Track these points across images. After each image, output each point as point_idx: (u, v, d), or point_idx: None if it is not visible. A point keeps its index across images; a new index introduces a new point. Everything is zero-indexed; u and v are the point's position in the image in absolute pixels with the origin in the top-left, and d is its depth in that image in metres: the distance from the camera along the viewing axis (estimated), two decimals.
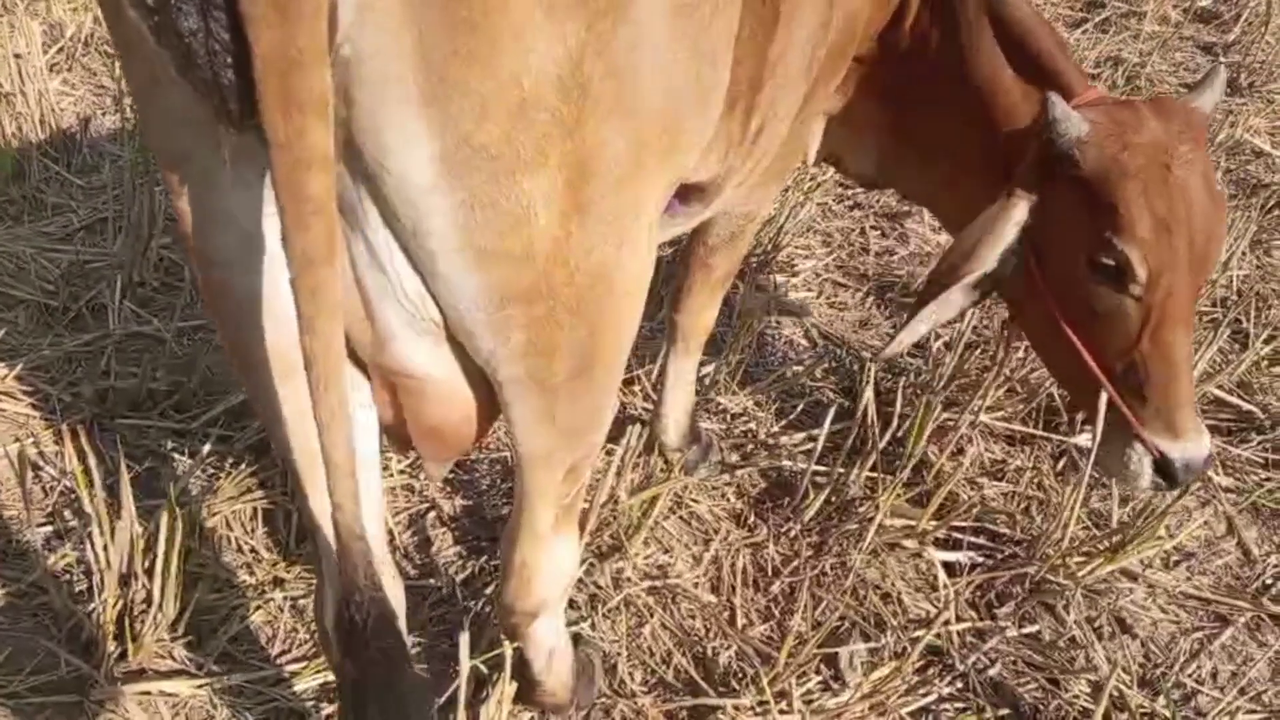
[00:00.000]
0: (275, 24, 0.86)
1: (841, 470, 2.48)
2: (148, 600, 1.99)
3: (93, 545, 1.96)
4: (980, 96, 1.96)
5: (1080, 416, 2.71)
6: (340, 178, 1.04)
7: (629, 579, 2.27)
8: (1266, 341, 3.09)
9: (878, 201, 3.87)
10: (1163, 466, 1.86)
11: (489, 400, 1.33)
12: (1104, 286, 1.80)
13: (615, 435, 2.45)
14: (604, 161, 1.12)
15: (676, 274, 2.41)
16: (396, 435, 1.41)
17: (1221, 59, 5.24)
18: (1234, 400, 2.91)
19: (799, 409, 2.85)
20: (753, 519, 2.50)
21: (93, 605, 2.01)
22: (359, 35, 0.94)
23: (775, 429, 2.79)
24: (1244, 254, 3.58)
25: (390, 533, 2.31)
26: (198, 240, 1.18)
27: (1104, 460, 1.96)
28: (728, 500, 2.57)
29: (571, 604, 2.18)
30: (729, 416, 2.81)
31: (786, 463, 2.62)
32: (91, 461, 1.98)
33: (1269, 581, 2.46)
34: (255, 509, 2.32)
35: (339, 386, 1.08)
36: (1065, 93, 1.83)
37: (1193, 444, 1.84)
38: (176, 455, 2.44)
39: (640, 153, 1.17)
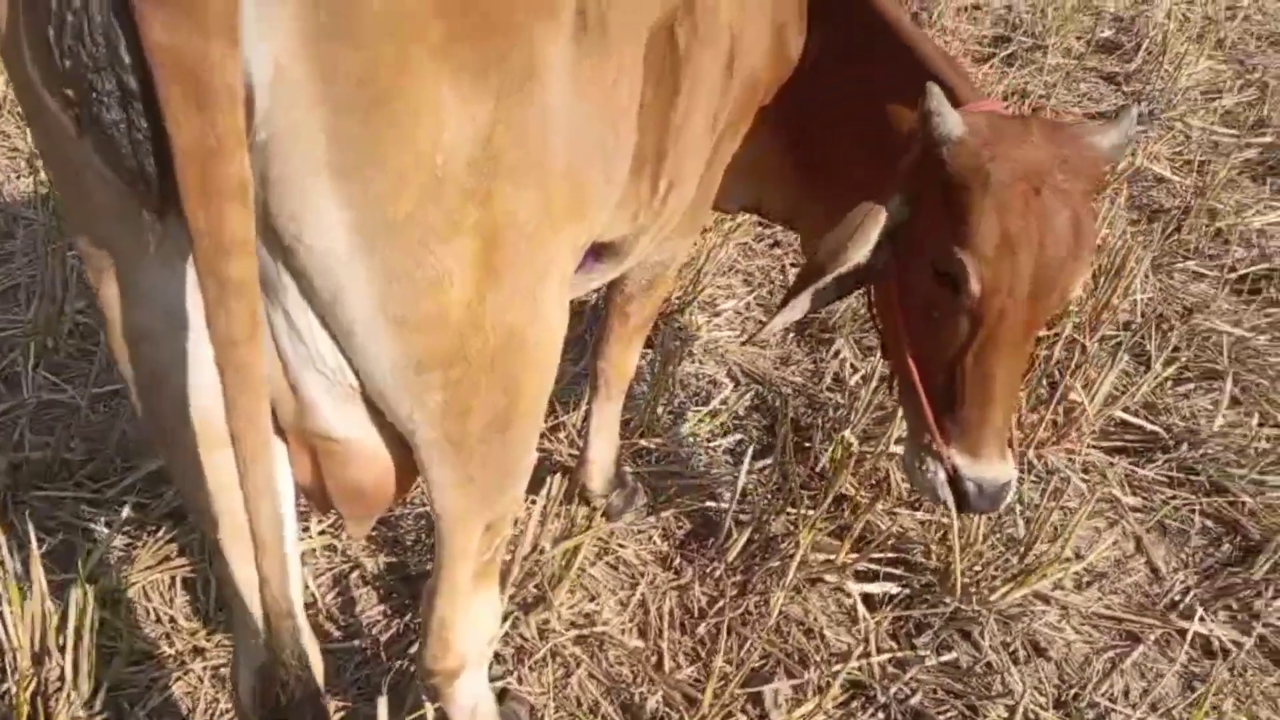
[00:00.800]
0: (194, 115, 0.90)
1: (764, 508, 2.52)
2: (62, 678, 1.96)
3: (3, 623, 1.93)
4: (880, 119, 1.94)
5: None
6: (258, 250, 1.06)
7: (555, 629, 2.29)
8: (1168, 363, 3.21)
9: (797, 239, 3.95)
10: (954, 483, 1.83)
11: (409, 458, 1.36)
12: (941, 293, 1.75)
13: (538, 484, 2.49)
14: (515, 228, 1.17)
15: (598, 322, 2.45)
16: (316, 496, 1.43)
17: (1124, 88, 5.45)
18: (1139, 421, 3.01)
19: (722, 448, 2.90)
20: (678, 561, 2.54)
21: (5, 685, 1.97)
22: (274, 118, 0.98)
23: (700, 469, 2.83)
24: (1146, 277, 3.72)
25: (313, 595, 2.30)
26: (117, 315, 1.20)
27: (905, 463, 1.95)
28: (654, 543, 2.60)
29: (497, 658, 2.19)
30: (654, 459, 2.84)
31: (710, 503, 2.66)
32: (0, 538, 1.95)
33: (1176, 598, 2.55)
34: (174, 577, 2.30)
35: (266, 462, 1.11)
36: (953, 100, 1.78)
37: (988, 468, 1.79)
38: (92, 525, 2.40)
39: (550, 218, 1.22)
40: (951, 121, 1.69)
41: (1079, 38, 5.90)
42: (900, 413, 2.75)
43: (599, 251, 1.76)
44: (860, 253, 1.78)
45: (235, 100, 0.90)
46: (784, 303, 1.91)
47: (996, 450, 1.80)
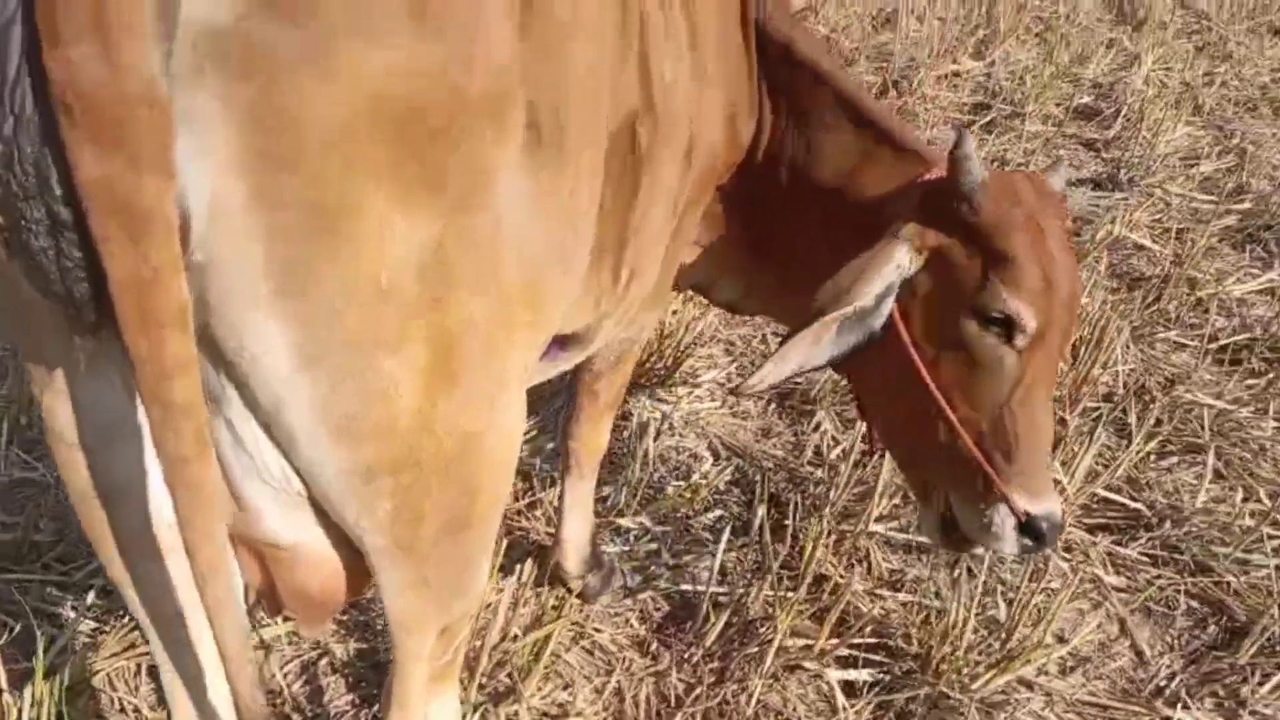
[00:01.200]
0: (127, 245, 0.88)
1: (742, 590, 2.48)
2: None
3: None
4: (838, 188, 1.93)
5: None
6: (200, 361, 1.04)
7: None
8: (1149, 437, 3.20)
9: None
10: (1029, 526, 1.77)
11: (360, 560, 1.33)
12: (987, 339, 1.75)
13: (510, 567, 2.45)
14: (469, 335, 1.15)
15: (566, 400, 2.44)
16: (267, 598, 1.40)
17: (1103, 154, 5.51)
18: (1121, 499, 2.99)
19: (702, 525, 2.87)
20: (655, 645, 2.49)
21: None
22: (211, 242, 0.96)
23: (679, 547, 2.79)
24: (1127, 347, 3.72)
25: (279, 684, 2.25)
26: (57, 424, 1.18)
27: (967, 527, 1.86)
28: (631, 626, 2.55)
29: None
30: (631, 537, 2.81)
31: (688, 585, 2.62)
32: None
33: (1162, 684, 2.51)
34: (139, 665, 2.25)
35: (225, 574, 1.10)
36: (928, 165, 1.82)
37: (1051, 501, 1.79)
38: (58, 609, 2.35)
39: (504, 322, 1.21)
40: (980, 168, 1.72)
41: (1058, 104, 5.98)
42: (880, 488, 2.75)
43: (563, 340, 1.75)
44: (874, 290, 1.74)
45: (171, 231, 0.89)
46: (780, 348, 1.82)
47: (1051, 485, 1.81)
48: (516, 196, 1.15)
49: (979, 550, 2.01)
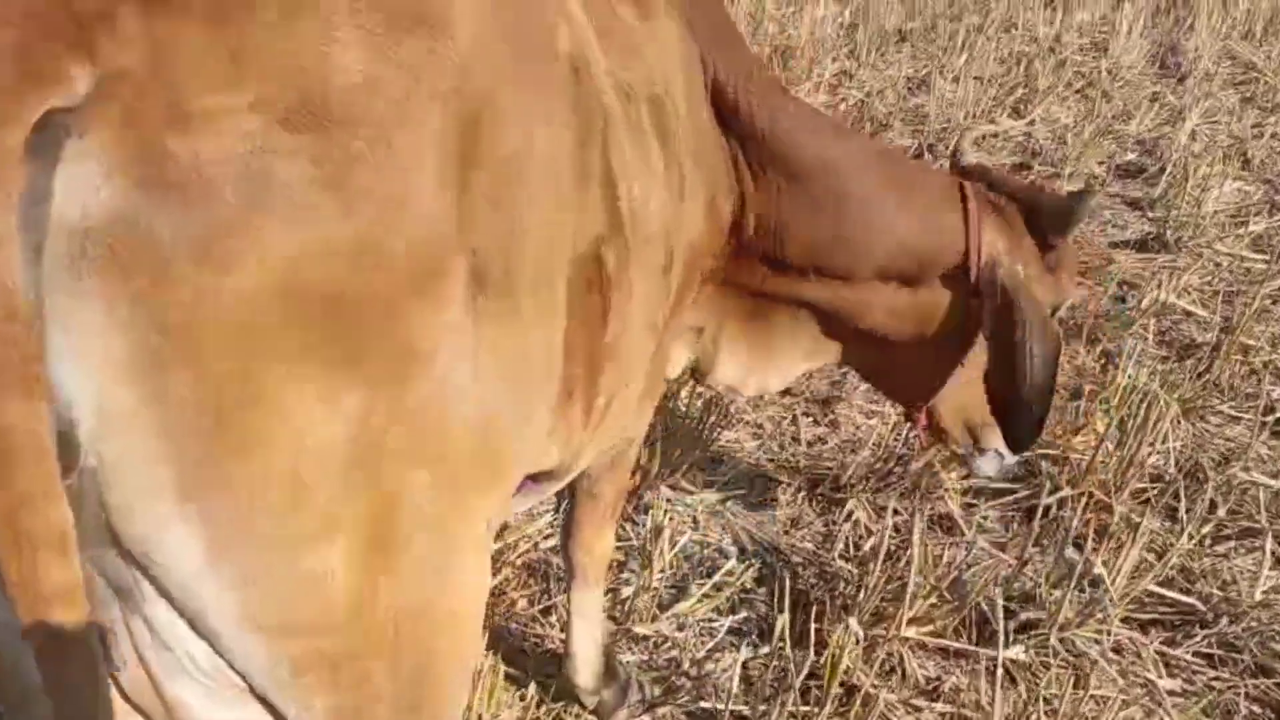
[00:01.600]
0: None
1: (764, 707, 2.35)
2: None
3: None
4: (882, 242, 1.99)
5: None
6: (113, 560, 0.97)
7: None
8: (1203, 522, 3.01)
9: (808, 386, 3.85)
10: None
11: None
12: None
13: (522, 681, 2.34)
14: (410, 510, 1.06)
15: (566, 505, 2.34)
16: None
17: (1149, 214, 5.34)
18: (1173, 594, 2.81)
19: (726, 627, 2.75)
20: None
21: None
22: (102, 445, 0.88)
23: (701, 654, 2.67)
24: (1177, 422, 3.54)
25: None
26: None
27: (991, 445, 2.30)
28: None
29: None
30: (650, 645, 2.69)
31: (707, 704, 2.49)
32: None
33: None
34: None
35: None
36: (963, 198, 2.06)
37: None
38: None
39: (452, 489, 1.11)
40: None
41: (1101, 163, 5.83)
42: (912, 589, 2.61)
43: (536, 475, 1.65)
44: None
45: (41, 454, 0.81)
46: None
47: None
48: (459, 356, 1.07)
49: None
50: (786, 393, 3.84)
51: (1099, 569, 2.68)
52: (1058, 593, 2.67)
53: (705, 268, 1.94)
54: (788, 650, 2.36)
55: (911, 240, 2.00)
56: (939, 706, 2.51)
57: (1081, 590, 2.71)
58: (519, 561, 2.87)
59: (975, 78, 6.91)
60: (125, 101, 0.83)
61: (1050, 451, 3.35)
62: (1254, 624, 2.73)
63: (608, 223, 1.43)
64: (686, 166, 1.73)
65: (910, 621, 2.64)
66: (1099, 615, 2.64)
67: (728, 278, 2.04)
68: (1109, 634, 2.65)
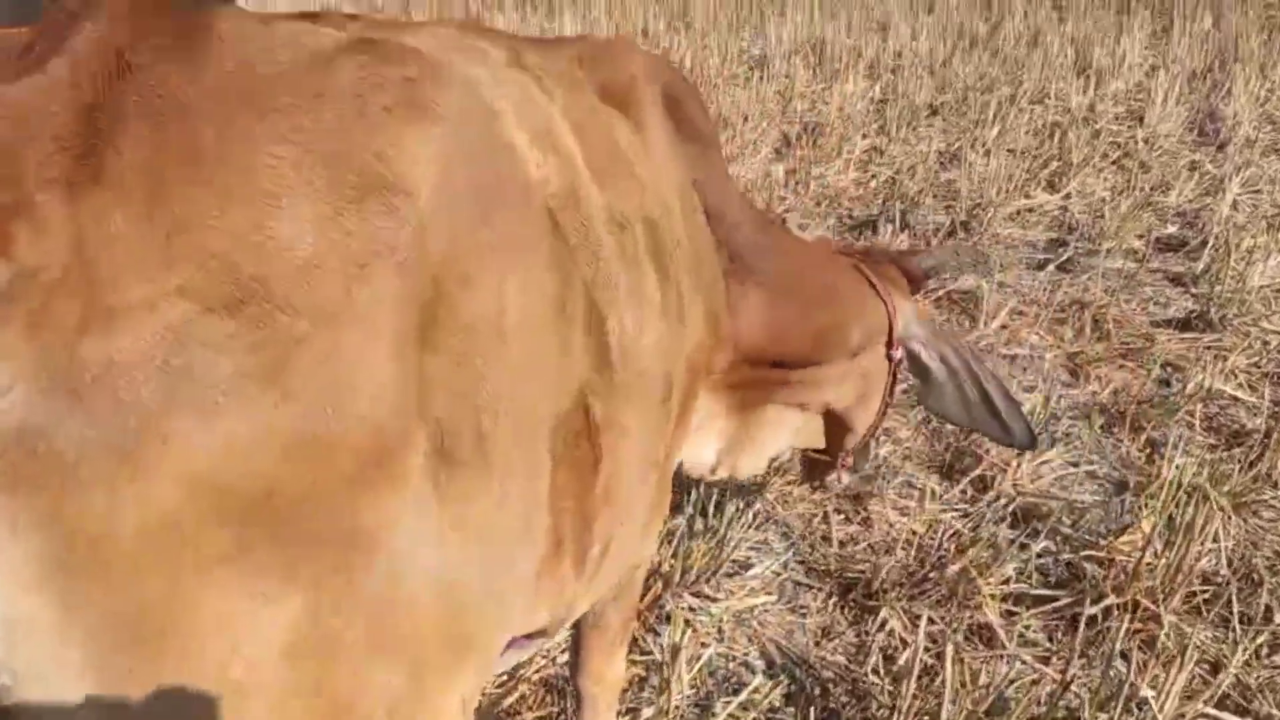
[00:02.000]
0: None
1: None
2: None
3: None
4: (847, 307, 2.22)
5: None
6: None
7: None
8: (1257, 632, 2.84)
9: (839, 480, 3.72)
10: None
11: None
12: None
13: None
14: (371, 701, 0.98)
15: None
16: None
17: (1191, 289, 5.19)
18: (1227, 715, 2.63)
19: None
20: None
21: None
22: (18, 664, 0.82)
23: None
24: (1228, 518, 3.37)
25: None
26: None
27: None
28: None
29: None
30: None
31: None
32: None
33: None
34: None
35: None
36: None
37: None
38: None
39: (418, 678, 1.03)
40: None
41: (1139, 236, 5.70)
42: (944, 714, 2.47)
43: (525, 635, 1.56)
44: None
45: None
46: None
47: None
48: (420, 535, 1.00)
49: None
50: (817, 488, 3.72)
51: (1145, 691, 2.51)
52: (1104, 716, 2.51)
53: (706, 384, 1.88)
54: None
55: (866, 317, 2.28)
56: None
57: (1129, 712, 2.55)
58: (535, 678, 2.77)
59: (1008, 150, 6.84)
60: (35, 303, 0.78)
61: (1095, 553, 3.20)
62: None
63: (594, 365, 1.35)
64: (684, 285, 1.66)
65: None
66: None
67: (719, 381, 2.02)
68: None
